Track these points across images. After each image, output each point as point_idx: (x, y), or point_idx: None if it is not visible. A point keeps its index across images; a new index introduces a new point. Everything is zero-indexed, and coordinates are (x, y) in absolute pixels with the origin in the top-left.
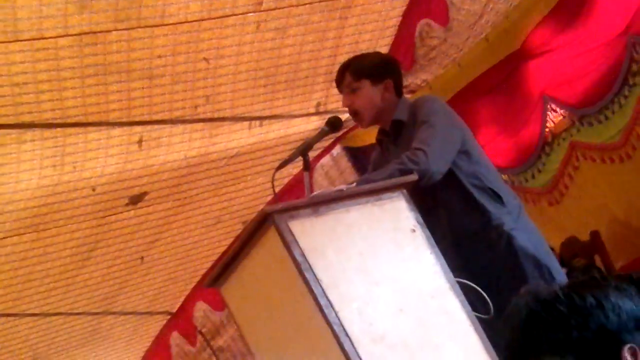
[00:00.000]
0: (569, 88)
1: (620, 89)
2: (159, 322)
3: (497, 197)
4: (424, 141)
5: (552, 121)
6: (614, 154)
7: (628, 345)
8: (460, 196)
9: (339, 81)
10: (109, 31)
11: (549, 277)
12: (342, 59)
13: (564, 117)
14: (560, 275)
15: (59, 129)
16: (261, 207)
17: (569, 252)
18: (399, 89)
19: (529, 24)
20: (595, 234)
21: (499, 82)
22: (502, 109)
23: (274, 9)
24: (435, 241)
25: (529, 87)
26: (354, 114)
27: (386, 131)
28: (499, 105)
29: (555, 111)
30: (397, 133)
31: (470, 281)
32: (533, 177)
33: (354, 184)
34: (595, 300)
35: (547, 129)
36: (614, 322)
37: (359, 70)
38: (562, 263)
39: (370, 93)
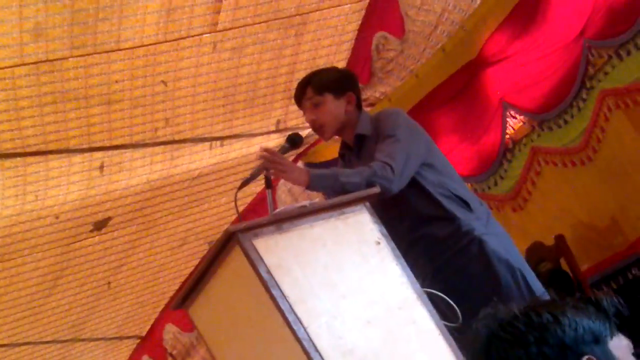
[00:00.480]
0: (528, 94)
1: (578, 93)
2: (129, 346)
3: (464, 204)
4: (391, 156)
5: (512, 127)
6: (575, 158)
7: (586, 357)
8: (429, 205)
9: (299, 97)
10: (65, 58)
11: (522, 280)
12: (300, 75)
13: (523, 123)
14: (532, 277)
15: (19, 159)
16: (226, 227)
17: (535, 257)
18: (359, 102)
19: (485, 32)
20: (560, 238)
21: (457, 92)
22: (461, 118)
23: (230, 29)
24: (404, 250)
25: (487, 95)
26: (318, 128)
27: (348, 145)
28: (458, 114)
29: (514, 117)
30: (360, 147)
31: (443, 288)
32: (496, 184)
33: (318, 171)
34: (552, 317)
35: (507, 136)
36: (571, 336)
37: (321, 85)
38: None
39: (334, 107)
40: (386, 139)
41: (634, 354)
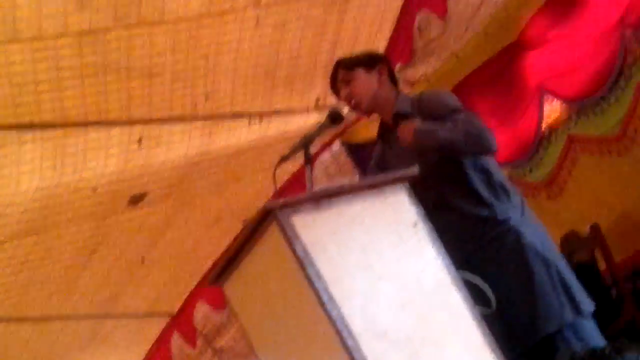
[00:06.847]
0: (566, 80)
1: (616, 81)
2: (160, 324)
3: (503, 192)
4: (474, 123)
5: (550, 114)
6: (612, 147)
7: None
8: (467, 190)
9: (334, 80)
10: (108, 30)
11: (557, 277)
12: (341, 53)
13: (561, 109)
14: (569, 273)
15: (59, 129)
16: (262, 204)
17: (569, 246)
18: (392, 76)
19: (526, 15)
20: (595, 228)
21: (496, 74)
22: (499, 102)
23: (274, 4)
24: (439, 234)
25: (526, 79)
26: (354, 103)
27: (388, 125)
28: (496, 98)
29: (552, 104)
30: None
31: (474, 275)
32: (531, 170)
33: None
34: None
35: (544, 122)
36: None
37: (351, 62)
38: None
39: (366, 79)
40: (454, 113)
41: None
